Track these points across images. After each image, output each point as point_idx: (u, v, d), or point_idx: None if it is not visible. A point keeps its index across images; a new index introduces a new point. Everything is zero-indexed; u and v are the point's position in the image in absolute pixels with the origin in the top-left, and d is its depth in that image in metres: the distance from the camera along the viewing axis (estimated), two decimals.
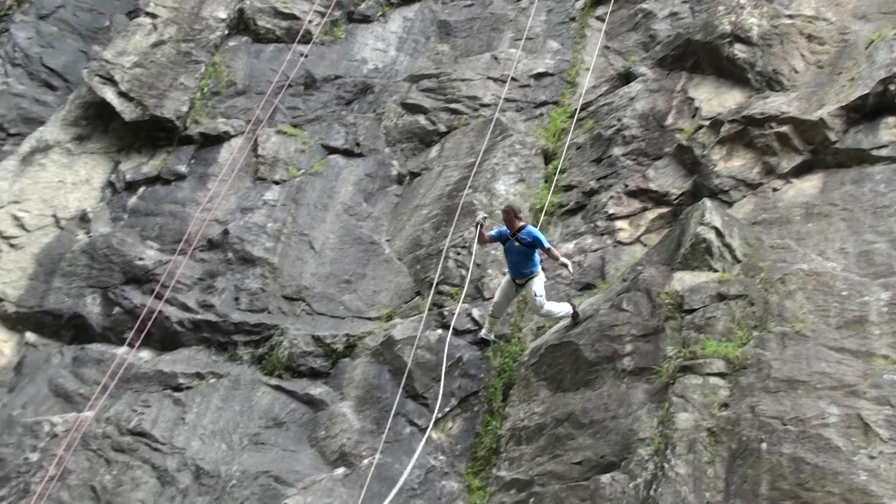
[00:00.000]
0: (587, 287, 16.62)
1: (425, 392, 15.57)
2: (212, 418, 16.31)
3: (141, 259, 19.47)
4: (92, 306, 19.11)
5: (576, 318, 14.77)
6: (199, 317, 18.28)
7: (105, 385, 16.93)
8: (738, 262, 14.28)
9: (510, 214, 14.89)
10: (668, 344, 13.53)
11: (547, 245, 14.65)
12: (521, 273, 14.98)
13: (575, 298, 16.17)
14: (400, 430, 14.88)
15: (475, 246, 16.10)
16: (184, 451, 15.74)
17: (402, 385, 15.57)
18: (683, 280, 14.22)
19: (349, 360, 16.78)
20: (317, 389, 16.37)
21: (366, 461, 14.40)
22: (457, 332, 16.21)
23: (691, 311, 13.72)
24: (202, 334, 18.13)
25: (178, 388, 16.95)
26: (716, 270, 14.19)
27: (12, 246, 20.29)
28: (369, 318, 17.56)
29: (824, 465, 11.29)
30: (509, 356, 15.74)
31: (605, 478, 12.51)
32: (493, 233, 15.34)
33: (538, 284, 14.92)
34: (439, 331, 16.38)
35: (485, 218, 15.44)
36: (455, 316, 16.08)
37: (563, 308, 15.01)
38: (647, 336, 13.90)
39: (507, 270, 15.47)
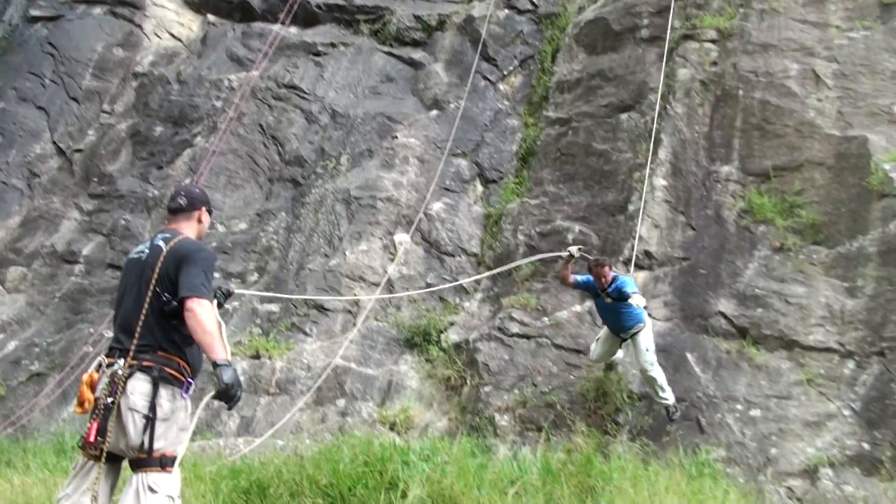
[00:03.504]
0: None
1: (496, 56, 15.48)
2: (342, 75, 16.39)
3: None
4: None
5: (669, 412, 9.21)
6: (331, 1, 17.97)
7: (266, 52, 17.03)
8: None
9: (599, 268, 9.21)
10: (675, 18, 13.18)
11: (631, 293, 8.86)
12: (623, 329, 9.27)
13: None
14: (477, 83, 14.92)
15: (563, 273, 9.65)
16: (323, 98, 15.94)
17: (478, 51, 15.49)
18: None
19: (441, 33, 16.57)
20: (417, 54, 16.31)
21: (452, 105, 14.55)
22: (519, 12, 15.89)
23: None
24: (334, 14, 17.88)
25: (317, 54, 16.95)
26: None
27: None
28: (455, 2, 17.16)
29: (784, 105, 11.28)
30: (557, 28, 15.44)
31: (624, 116, 12.61)
32: (579, 279, 9.57)
33: (646, 338, 9.17)
34: (506, 10, 16.05)
35: (579, 250, 9.43)
36: None
37: (667, 389, 9.13)
38: (660, 13, 13.52)
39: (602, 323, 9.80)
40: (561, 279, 9.82)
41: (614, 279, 9.12)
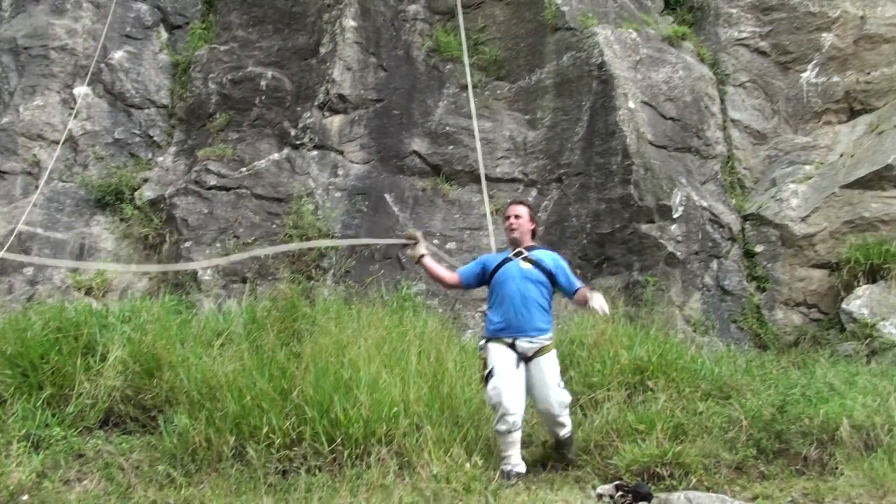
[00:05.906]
0: None
1: None
2: None
3: None
4: None
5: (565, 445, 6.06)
6: None
7: None
8: None
9: (518, 207, 6.28)
10: None
11: (579, 284, 6.07)
12: (533, 326, 5.85)
13: None
14: None
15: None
16: None
17: None
18: None
19: None
20: None
21: None
22: None
23: None
24: None
25: None
26: None
27: None
28: None
29: None
30: None
31: None
32: (469, 269, 6.34)
33: (554, 360, 5.95)
34: None
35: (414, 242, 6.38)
36: None
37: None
38: None
39: (497, 327, 5.92)
40: (442, 283, 6.50)
41: (534, 245, 6.27)
